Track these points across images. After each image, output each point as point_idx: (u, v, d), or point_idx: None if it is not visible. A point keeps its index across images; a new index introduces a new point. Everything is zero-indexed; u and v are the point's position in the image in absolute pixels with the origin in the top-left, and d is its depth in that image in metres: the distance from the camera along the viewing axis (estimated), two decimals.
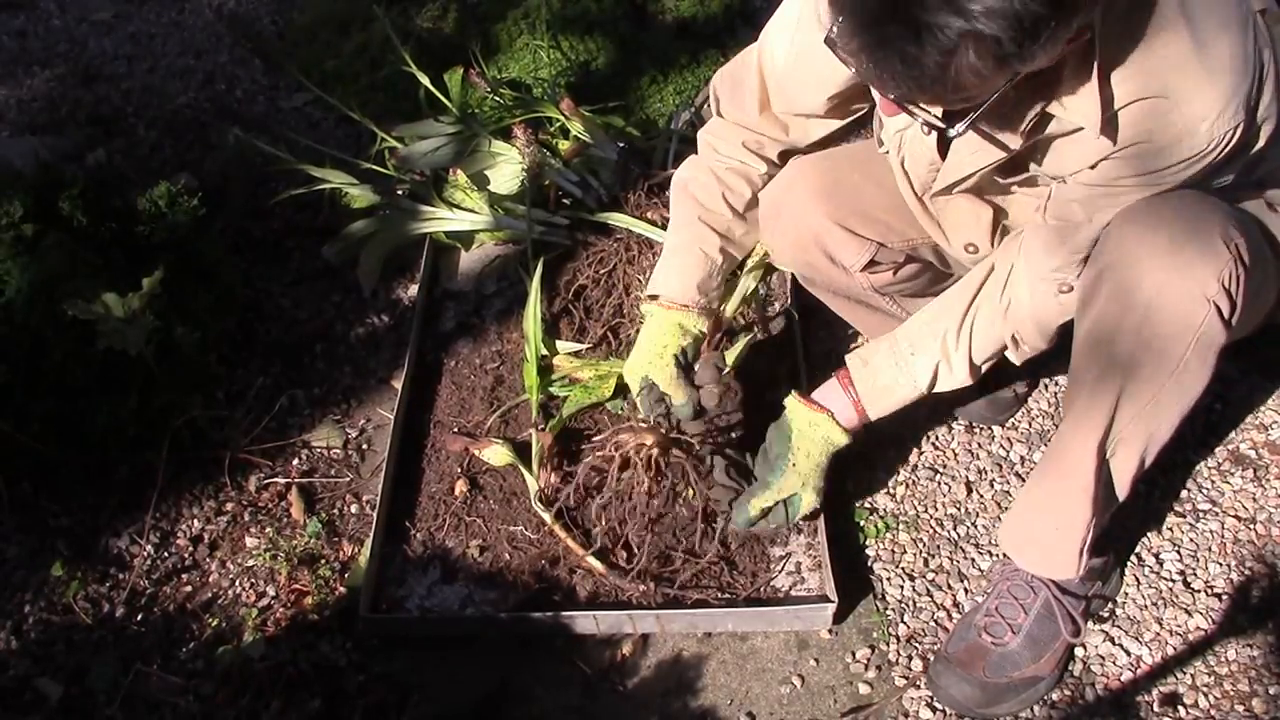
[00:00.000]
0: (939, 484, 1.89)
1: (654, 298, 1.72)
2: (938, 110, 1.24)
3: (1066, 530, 1.54)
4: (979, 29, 1.07)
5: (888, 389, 1.62)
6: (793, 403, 1.66)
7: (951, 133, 1.24)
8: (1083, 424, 1.45)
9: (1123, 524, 1.75)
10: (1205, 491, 1.85)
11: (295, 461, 1.98)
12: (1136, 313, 1.33)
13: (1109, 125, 1.28)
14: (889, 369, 1.61)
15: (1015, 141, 1.35)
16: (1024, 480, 1.88)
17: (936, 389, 1.62)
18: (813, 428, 1.63)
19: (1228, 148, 1.26)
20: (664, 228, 2.15)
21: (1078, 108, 1.28)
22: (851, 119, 1.63)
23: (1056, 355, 1.62)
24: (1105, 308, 1.36)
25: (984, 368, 1.62)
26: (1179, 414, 1.42)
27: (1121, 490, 1.51)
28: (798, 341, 2.02)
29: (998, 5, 1.05)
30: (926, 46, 1.09)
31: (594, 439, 1.84)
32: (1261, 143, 1.30)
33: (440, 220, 2.29)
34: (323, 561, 1.82)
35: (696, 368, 1.71)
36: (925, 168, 1.50)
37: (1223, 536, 1.78)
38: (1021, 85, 1.27)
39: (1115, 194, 1.36)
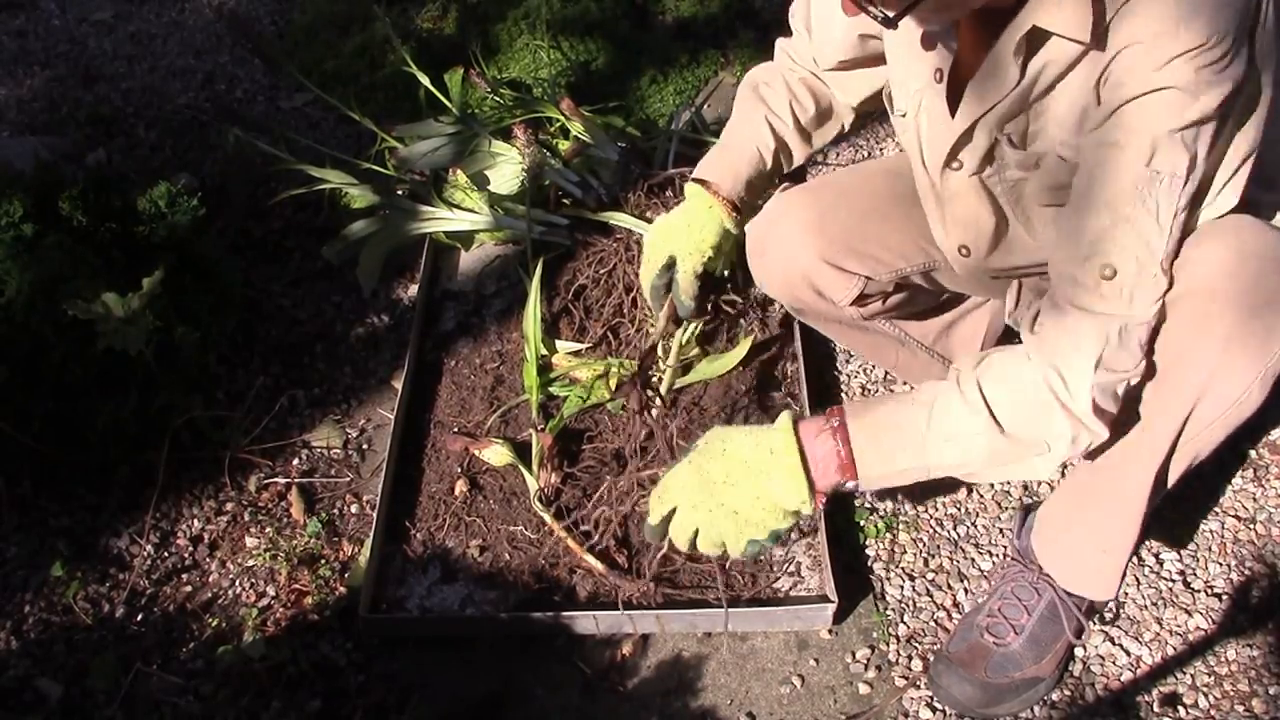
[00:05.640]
0: (939, 484, 1.89)
1: (703, 183, 1.62)
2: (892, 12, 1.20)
3: (1113, 553, 1.52)
4: None
5: (892, 429, 1.32)
6: (784, 421, 1.33)
7: (900, 23, 1.21)
8: (1143, 453, 1.41)
9: None
10: (1205, 491, 1.84)
11: (295, 461, 1.98)
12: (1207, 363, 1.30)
13: (1100, 40, 1.22)
14: (891, 406, 1.36)
15: (1012, 69, 1.29)
16: (1024, 481, 1.88)
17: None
18: (772, 457, 1.31)
19: (1232, 59, 1.18)
20: None
21: (1067, 18, 1.22)
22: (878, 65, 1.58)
23: None
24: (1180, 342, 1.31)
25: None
26: (1226, 433, 1.41)
27: (1155, 502, 1.49)
28: (796, 335, 2.02)
29: None
30: None
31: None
32: (1268, 92, 1.25)
33: (440, 220, 2.29)
34: (323, 561, 1.82)
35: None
36: (943, 127, 1.44)
37: (1223, 536, 1.78)
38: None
39: (1131, 131, 1.22)
